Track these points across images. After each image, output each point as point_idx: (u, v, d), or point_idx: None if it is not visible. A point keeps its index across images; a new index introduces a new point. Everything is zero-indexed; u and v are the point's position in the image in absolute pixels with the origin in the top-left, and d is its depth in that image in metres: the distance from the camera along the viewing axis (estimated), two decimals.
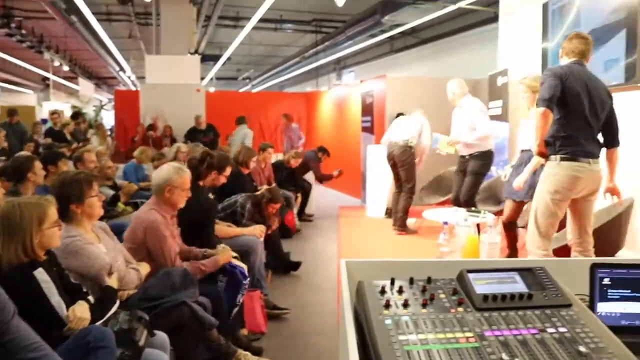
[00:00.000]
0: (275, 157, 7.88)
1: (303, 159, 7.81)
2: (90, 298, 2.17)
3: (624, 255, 3.65)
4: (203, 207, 3.50)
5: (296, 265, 4.88)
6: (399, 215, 6.39)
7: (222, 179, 4.03)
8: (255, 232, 3.93)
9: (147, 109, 9.80)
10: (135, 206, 5.01)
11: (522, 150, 4.32)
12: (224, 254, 3.13)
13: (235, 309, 3.13)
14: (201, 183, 3.76)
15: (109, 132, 13.04)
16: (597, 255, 3.18)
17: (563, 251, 3.26)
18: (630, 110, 3.92)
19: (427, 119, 6.57)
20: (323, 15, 14.15)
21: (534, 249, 3.21)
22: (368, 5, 11.38)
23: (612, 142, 3.30)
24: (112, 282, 2.33)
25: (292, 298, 4.18)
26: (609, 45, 4.03)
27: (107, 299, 2.24)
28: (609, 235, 3.32)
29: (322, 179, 7.87)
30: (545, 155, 3.24)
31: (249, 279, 3.25)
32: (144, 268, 2.66)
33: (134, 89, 23.16)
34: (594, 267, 1.53)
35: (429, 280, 1.35)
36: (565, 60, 3.29)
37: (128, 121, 10.43)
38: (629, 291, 1.51)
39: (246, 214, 4.24)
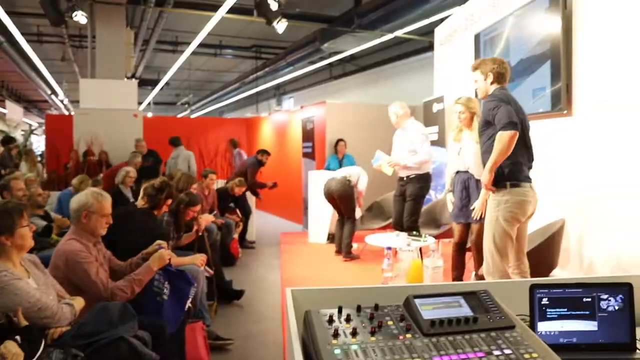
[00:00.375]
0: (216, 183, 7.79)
1: (241, 165, 7.80)
2: (18, 338, 2.02)
3: (558, 274, 3.81)
4: (156, 235, 3.38)
5: (239, 294, 4.78)
6: (346, 242, 6.41)
7: (165, 208, 3.94)
8: (196, 261, 3.83)
9: (82, 134, 9.45)
10: None
11: (458, 172, 4.38)
12: (157, 260, 2.97)
13: (181, 317, 3.01)
14: (155, 212, 3.65)
15: (39, 158, 12.45)
16: (532, 276, 3.29)
17: None
18: (556, 136, 4.13)
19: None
20: (263, 41, 14.24)
21: (497, 277, 3.19)
22: (307, 33, 11.56)
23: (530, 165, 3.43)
24: (23, 321, 2.17)
25: (236, 328, 4.08)
26: (536, 75, 4.26)
27: (34, 338, 2.09)
28: (543, 256, 3.45)
29: (254, 185, 7.82)
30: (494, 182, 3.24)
31: (195, 283, 3.14)
32: (78, 303, 2.51)
33: (67, 113, 22.36)
34: (533, 287, 1.58)
35: (376, 307, 1.35)
36: (494, 86, 3.35)
37: (60, 147, 10.02)
38: (566, 310, 1.57)
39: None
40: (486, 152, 3.34)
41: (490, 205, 3.29)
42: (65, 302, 2.44)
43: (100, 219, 2.86)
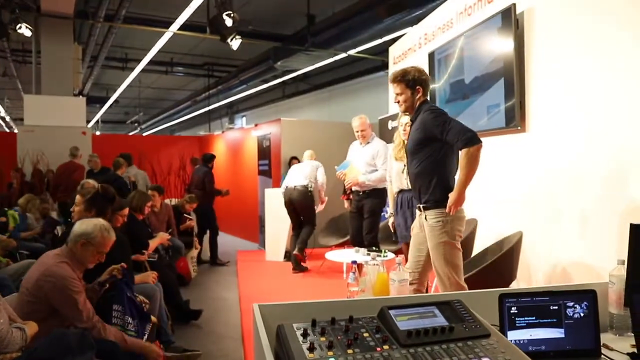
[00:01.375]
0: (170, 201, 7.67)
1: (197, 178, 7.76)
2: None
3: (516, 287, 3.88)
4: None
5: (197, 314, 4.65)
6: (302, 239, 6.46)
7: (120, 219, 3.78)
8: (148, 279, 3.70)
9: (26, 152, 9.08)
10: (13, 258, 4.57)
11: (402, 191, 4.30)
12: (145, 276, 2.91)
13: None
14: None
15: None
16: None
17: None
18: (512, 151, 4.25)
19: (317, 160, 6.80)
20: (215, 59, 14.16)
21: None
22: (260, 51, 11.58)
23: None
24: None
25: (195, 348, 3.95)
26: (490, 92, 4.37)
27: None
28: (502, 268, 3.49)
29: (213, 192, 7.82)
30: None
31: (150, 321, 3.02)
32: (31, 328, 2.35)
33: (8, 131, 21.48)
34: (502, 297, 1.59)
35: (350, 319, 1.32)
36: (422, 99, 3.14)
37: (3, 166, 9.57)
38: (534, 318, 1.59)
39: None
40: (423, 172, 3.10)
41: (434, 227, 3.03)
42: (15, 326, 2.29)
43: (96, 254, 2.77)
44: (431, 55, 5.46)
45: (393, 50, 7.22)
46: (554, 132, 3.75)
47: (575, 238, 3.50)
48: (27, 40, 10.16)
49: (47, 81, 10.15)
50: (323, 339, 1.23)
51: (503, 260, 3.37)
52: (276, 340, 1.29)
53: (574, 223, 3.51)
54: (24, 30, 8.66)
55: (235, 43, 8.48)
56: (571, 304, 1.61)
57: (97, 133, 18.39)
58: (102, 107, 19.23)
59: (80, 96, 11.69)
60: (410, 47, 6.54)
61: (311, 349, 1.18)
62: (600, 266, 3.16)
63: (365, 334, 1.27)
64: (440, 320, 1.33)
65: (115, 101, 18.29)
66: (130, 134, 25.49)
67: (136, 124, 24.27)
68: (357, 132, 5.43)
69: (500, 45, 4.22)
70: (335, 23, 8.85)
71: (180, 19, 9.00)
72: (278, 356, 1.26)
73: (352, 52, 10.54)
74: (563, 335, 1.59)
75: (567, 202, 3.58)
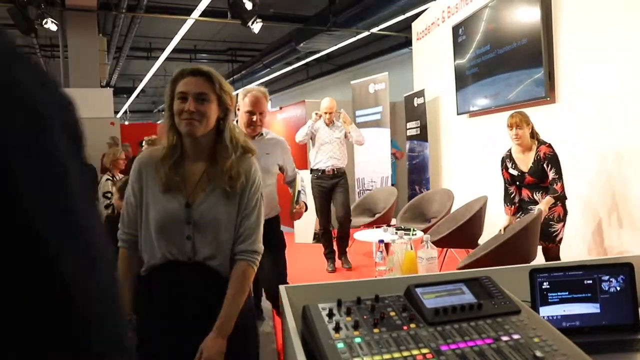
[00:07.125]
0: None
1: None
2: None
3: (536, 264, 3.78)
4: None
5: None
6: None
7: None
8: None
9: None
10: None
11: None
12: None
13: None
14: None
15: None
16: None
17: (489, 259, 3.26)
18: (540, 124, 4.13)
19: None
20: (238, 44, 14.16)
21: None
22: (283, 34, 11.52)
23: None
24: None
25: None
26: (518, 64, 4.24)
27: None
28: (522, 245, 3.31)
29: None
30: None
31: None
32: None
33: None
34: (533, 272, 1.55)
35: (376, 298, 1.31)
36: None
37: None
38: (567, 293, 1.55)
39: None
40: None
41: None
42: None
43: None
44: (455, 29, 5.34)
45: (416, 26, 7.09)
46: (585, 102, 3.64)
47: (608, 211, 3.40)
48: (54, 35, 10.32)
49: (74, 74, 10.32)
50: (349, 318, 1.22)
51: (521, 237, 3.19)
52: (302, 321, 1.28)
53: (606, 196, 3.41)
54: (50, 25, 8.80)
55: (256, 26, 8.45)
56: (606, 277, 1.56)
57: (126, 123, 18.68)
58: (129, 97, 19.49)
59: (108, 87, 11.85)
60: (433, 22, 6.40)
61: (337, 329, 1.17)
62: (637, 239, 3.06)
63: (392, 313, 1.25)
64: (468, 297, 1.30)
65: (142, 91, 18.51)
66: (159, 122, 25.82)
67: (163, 113, 24.53)
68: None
69: (526, 14, 4.09)
70: (356, 1, 8.71)
71: (201, 5, 9.01)
72: (305, 337, 1.25)
73: (374, 30, 10.39)
74: (598, 310, 1.54)
75: (599, 174, 3.48)
